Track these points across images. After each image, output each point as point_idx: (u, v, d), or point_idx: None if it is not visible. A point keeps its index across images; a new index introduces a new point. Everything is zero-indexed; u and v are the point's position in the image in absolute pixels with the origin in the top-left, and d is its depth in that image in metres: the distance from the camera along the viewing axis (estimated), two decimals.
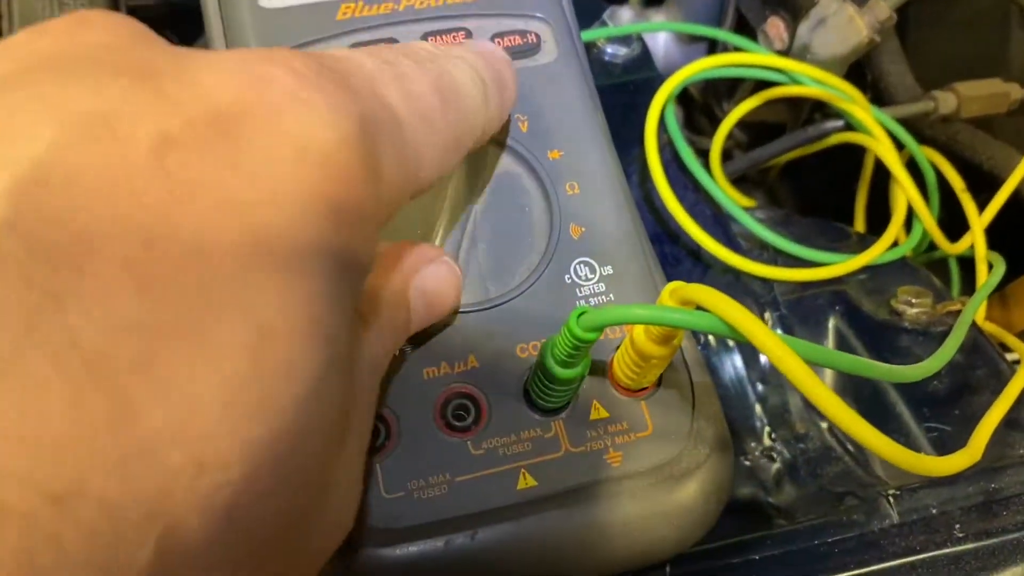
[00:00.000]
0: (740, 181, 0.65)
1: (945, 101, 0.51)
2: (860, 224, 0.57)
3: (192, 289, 0.15)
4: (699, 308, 0.22)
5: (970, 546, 0.31)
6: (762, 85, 0.52)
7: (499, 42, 0.32)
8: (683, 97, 0.66)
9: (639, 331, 0.25)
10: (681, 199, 0.43)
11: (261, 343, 0.15)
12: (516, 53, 0.32)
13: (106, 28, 0.18)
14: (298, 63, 0.18)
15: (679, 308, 0.22)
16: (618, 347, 0.27)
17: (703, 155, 0.54)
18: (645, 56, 0.48)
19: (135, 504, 0.13)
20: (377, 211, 0.19)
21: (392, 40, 0.32)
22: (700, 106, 0.67)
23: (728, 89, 0.61)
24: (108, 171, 0.14)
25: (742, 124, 0.61)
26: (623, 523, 0.27)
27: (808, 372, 0.20)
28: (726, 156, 0.59)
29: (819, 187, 0.66)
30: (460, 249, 0.29)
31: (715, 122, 0.64)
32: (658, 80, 0.48)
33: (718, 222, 0.45)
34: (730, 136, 0.63)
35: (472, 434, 0.27)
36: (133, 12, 0.49)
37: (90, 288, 0.14)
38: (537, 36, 0.33)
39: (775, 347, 0.20)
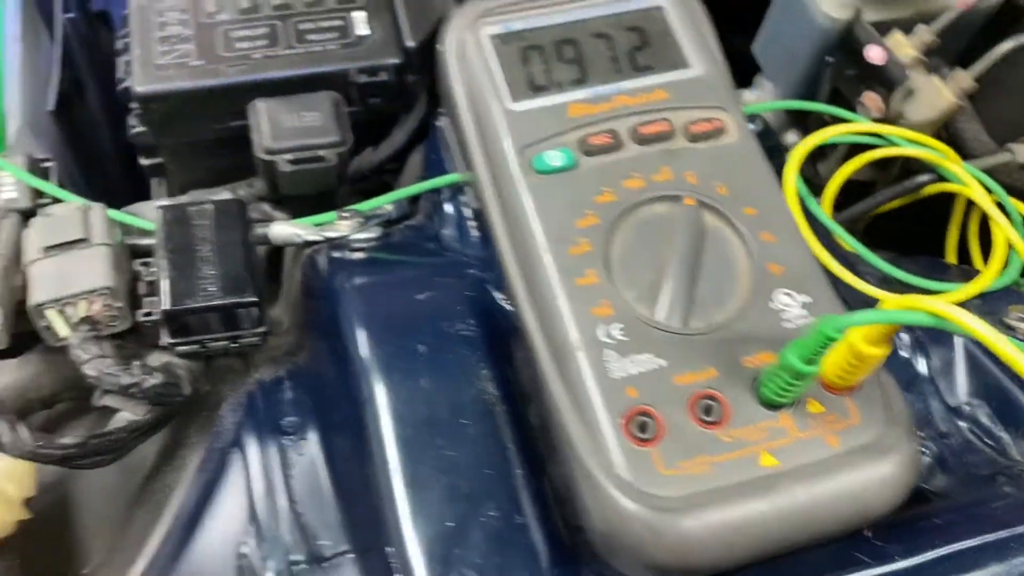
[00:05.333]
0: None
1: (1020, 152, 0.60)
2: (952, 260, 0.65)
3: None
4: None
5: None
6: (855, 148, 0.61)
7: (692, 129, 0.41)
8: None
9: (857, 336, 0.33)
10: None
11: None
12: (709, 136, 0.41)
13: None
14: None
15: (912, 310, 0.30)
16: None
17: None
18: (768, 130, 0.58)
19: None
20: None
21: (613, 132, 0.41)
22: None
23: (818, 153, 0.70)
24: None
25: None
26: (847, 490, 0.34)
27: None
28: None
29: (902, 236, 0.74)
30: (689, 285, 0.38)
31: (807, 182, 0.72)
32: (777, 149, 0.57)
33: (846, 261, 0.53)
34: (819, 193, 0.72)
35: (721, 426, 0.35)
36: None
37: None
38: (722, 122, 0.42)
39: (985, 335, 0.28)
